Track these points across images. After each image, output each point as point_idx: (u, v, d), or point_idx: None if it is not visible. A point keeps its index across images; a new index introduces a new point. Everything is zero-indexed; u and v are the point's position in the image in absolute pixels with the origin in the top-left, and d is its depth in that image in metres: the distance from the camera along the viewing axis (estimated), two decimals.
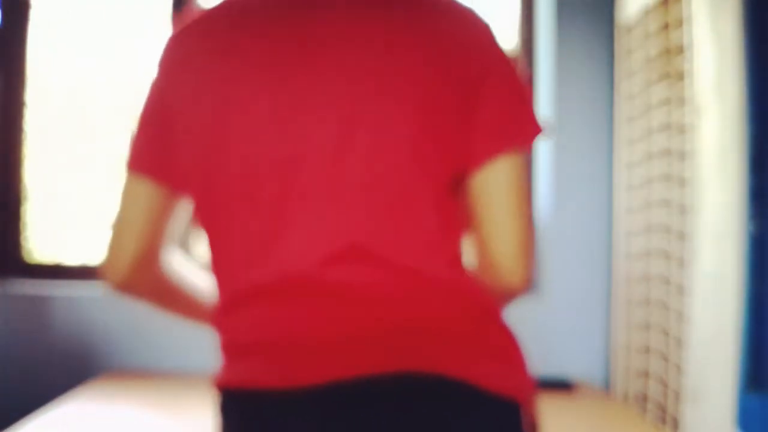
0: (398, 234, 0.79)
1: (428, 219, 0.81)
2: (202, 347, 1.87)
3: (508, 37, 2.17)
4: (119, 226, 0.89)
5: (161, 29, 2.08)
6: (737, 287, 1.36)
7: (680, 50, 1.51)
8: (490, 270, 0.86)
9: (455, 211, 0.85)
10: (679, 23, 1.52)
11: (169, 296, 0.95)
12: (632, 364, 1.76)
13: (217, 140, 0.81)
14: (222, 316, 0.84)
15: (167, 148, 0.86)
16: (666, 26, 1.60)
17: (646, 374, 1.68)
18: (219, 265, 0.85)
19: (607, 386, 1.93)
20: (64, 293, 1.90)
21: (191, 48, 0.85)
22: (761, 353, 1.38)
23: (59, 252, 2.09)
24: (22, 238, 2.04)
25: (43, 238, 2.10)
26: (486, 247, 0.85)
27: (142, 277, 0.90)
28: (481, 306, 0.82)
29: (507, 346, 0.82)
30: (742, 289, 1.36)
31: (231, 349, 0.82)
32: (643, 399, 1.69)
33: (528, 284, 0.86)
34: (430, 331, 0.77)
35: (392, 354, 0.75)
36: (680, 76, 1.51)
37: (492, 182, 0.84)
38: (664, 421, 1.54)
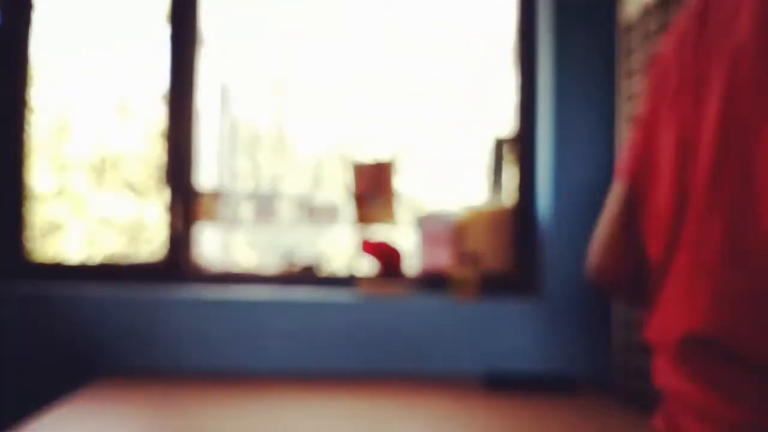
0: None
1: None
2: (202, 347, 1.87)
3: (507, 38, 2.17)
4: (605, 223, 0.96)
5: (160, 29, 2.08)
6: None
7: None
8: None
9: None
10: None
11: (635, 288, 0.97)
12: (632, 364, 1.76)
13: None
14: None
15: (649, 154, 0.87)
16: (666, 26, 1.60)
17: (646, 374, 1.68)
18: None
19: (607, 386, 1.93)
20: (64, 293, 1.90)
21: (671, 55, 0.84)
22: None
23: (59, 252, 2.10)
24: (23, 237, 2.05)
25: (44, 238, 2.10)
26: None
27: (615, 266, 0.96)
28: None
29: None
30: None
31: None
32: (643, 398, 1.69)
33: None
34: None
35: None
36: None
37: None
38: None
